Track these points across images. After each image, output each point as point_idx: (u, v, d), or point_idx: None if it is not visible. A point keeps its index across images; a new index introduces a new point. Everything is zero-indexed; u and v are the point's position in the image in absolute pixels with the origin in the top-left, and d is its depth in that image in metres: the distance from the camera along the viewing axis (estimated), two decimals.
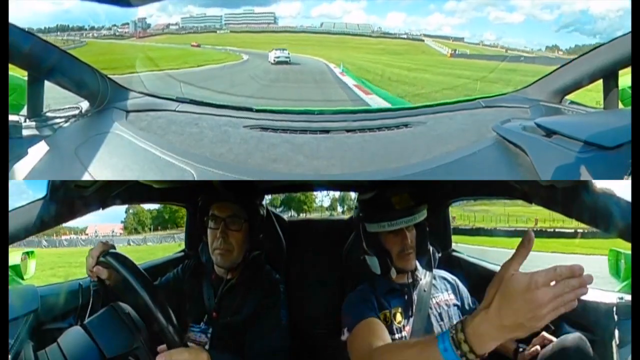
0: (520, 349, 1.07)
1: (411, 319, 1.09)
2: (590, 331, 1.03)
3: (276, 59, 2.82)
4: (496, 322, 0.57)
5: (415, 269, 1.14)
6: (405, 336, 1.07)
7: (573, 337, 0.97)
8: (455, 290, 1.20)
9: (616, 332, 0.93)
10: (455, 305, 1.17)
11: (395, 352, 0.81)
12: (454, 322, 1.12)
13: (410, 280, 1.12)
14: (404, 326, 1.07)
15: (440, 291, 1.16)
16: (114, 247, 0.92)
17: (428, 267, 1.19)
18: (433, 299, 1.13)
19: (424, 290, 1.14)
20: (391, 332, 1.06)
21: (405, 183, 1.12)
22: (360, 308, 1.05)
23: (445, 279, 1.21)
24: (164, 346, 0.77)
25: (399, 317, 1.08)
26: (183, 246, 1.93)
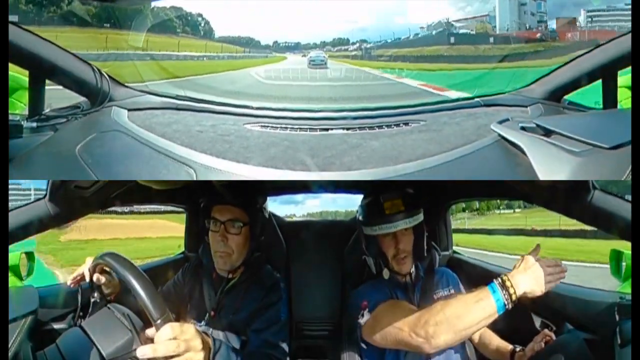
0: (518, 349, 1.08)
1: None
2: (592, 331, 1.03)
3: (312, 62, 2.37)
4: (523, 275, 0.85)
5: (415, 271, 1.17)
6: None
7: (571, 337, 0.97)
8: (455, 287, 1.23)
9: (617, 332, 0.92)
10: None
11: (450, 304, 0.88)
12: None
13: (411, 280, 1.16)
14: None
15: (442, 288, 1.20)
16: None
17: (430, 267, 1.22)
18: (435, 295, 1.17)
19: (426, 289, 1.17)
20: None
21: (405, 183, 1.13)
22: (378, 292, 1.09)
23: (446, 276, 1.24)
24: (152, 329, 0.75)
25: None
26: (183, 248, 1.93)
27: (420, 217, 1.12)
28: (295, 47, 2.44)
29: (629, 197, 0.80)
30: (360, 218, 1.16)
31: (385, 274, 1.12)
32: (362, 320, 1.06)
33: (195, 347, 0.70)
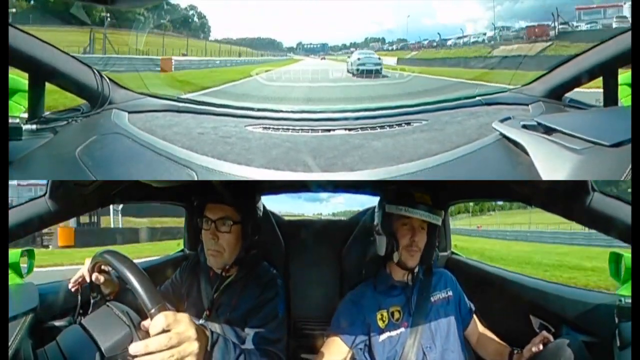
0: (515, 351, 1.08)
1: (410, 317, 1.12)
2: (591, 333, 1.03)
3: (359, 66, 1.89)
4: None
5: (418, 269, 1.16)
6: (402, 332, 1.10)
7: (570, 339, 0.97)
8: (453, 288, 1.23)
9: (617, 334, 0.92)
10: (453, 302, 1.20)
11: None
12: (452, 319, 1.17)
13: (410, 279, 1.15)
14: (402, 323, 1.11)
15: (439, 289, 1.20)
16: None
17: (428, 268, 1.21)
18: (432, 297, 1.17)
19: (424, 289, 1.17)
20: (389, 329, 1.10)
21: (407, 183, 1.13)
22: (343, 317, 1.14)
23: (445, 277, 1.24)
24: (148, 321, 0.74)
25: (396, 315, 1.12)
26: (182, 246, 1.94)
27: (439, 221, 1.12)
28: (321, 49, 2.36)
29: (629, 197, 0.79)
30: (386, 197, 1.16)
31: (395, 257, 1.11)
32: (325, 337, 1.14)
33: (190, 337, 0.68)
